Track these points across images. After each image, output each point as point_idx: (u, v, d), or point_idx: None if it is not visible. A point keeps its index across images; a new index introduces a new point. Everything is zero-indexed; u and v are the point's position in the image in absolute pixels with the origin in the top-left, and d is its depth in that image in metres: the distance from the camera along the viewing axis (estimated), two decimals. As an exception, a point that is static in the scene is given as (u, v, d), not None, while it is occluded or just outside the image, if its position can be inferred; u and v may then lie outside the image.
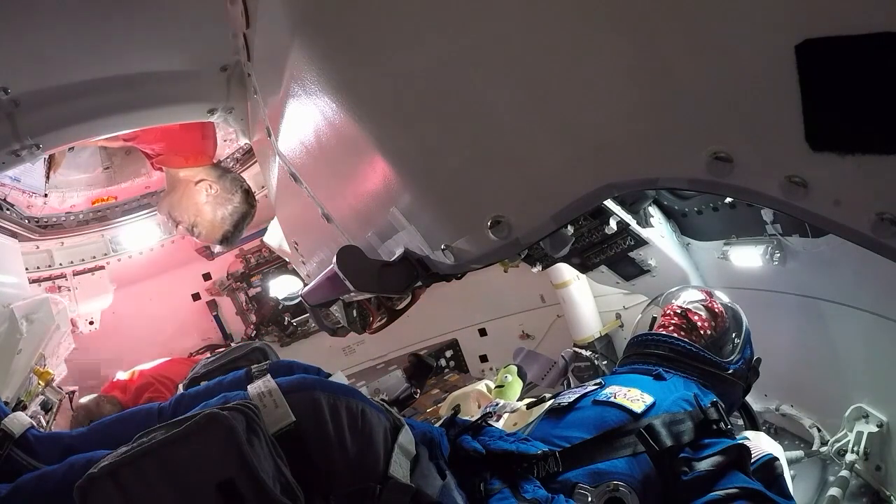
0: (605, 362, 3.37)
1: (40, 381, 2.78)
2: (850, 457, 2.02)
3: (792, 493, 1.56)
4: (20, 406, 2.68)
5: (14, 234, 3.35)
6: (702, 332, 1.90)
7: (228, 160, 4.04)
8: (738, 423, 2.12)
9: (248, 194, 3.24)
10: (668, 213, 2.75)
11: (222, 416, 1.03)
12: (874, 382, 2.07)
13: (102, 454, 1.05)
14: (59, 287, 3.97)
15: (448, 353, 4.43)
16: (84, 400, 3.37)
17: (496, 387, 2.26)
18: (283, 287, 4.46)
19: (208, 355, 2.18)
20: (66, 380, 3.37)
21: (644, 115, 0.82)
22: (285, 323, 4.77)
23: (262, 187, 4.17)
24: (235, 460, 1.00)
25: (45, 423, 2.85)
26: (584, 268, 3.01)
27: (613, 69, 0.82)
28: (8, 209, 3.38)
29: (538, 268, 2.96)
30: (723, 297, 2.04)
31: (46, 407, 2.89)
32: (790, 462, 2.17)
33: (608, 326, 3.56)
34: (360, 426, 1.21)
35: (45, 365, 2.87)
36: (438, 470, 1.33)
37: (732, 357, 1.87)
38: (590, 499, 1.39)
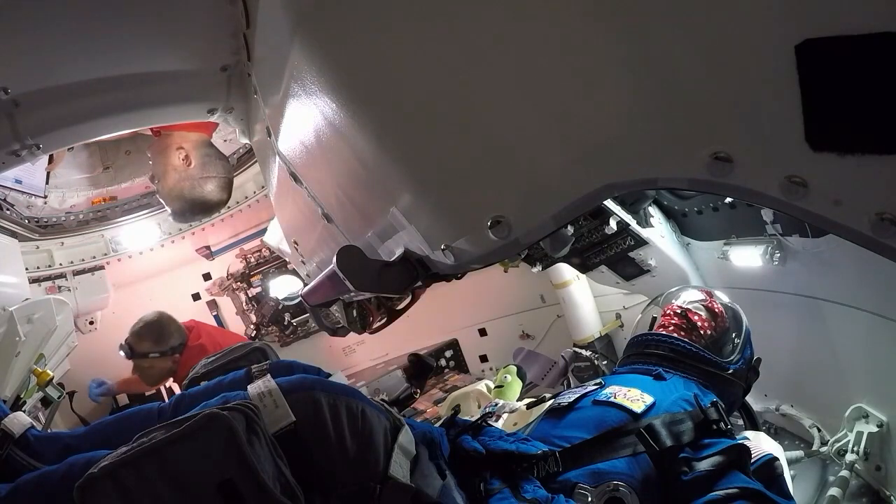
0: (605, 362, 3.36)
1: (38, 383, 2.79)
2: (850, 457, 2.02)
3: (792, 493, 1.56)
4: (19, 402, 2.68)
5: (14, 234, 3.35)
6: (702, 332, 1.90)
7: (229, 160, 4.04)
8: (738, 423, 2.12)
9: (222, 188, 3.16)
10: (668, 213, 2.75)
11: (222, 416, 1.03)
12: (874, 382, 2.07)
13: (102, 454, 1.05)
14: (59, 287, 3.98)
15: (448, 353, 4.43)
16: (153, 312, 3.35)
17: (495, 387, 2.27)
18: (283, 287, 4.46)
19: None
20: (69, 377, 3.39)
21: (644, 115, 0.82)
22: (285, 323, 4.77)
23: (263, 187, 4.18)
24: (235, 460, 1.00)
25: (42, 419, 2.85)
26: (584, 268, 3.01)
27: (613, 69, 0.82)
28: (8, 209, 3.39)
29: (538, 268, 2.96)
30: (723, 297, 2.04)
31: (46, 402, 2.90)
32: (790, 462, 2.17)
33: (608, 326, 3.56)
34: (360, 426, 1.21)
35: (45, 365, 2.87)
36: (438, 470, 1.33)
37: (732, 357, 1.87)
38: (590, 499, 1.39)
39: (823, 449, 2.21)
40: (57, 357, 3.08)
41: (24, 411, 2.59)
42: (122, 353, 3.28)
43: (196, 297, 4.77)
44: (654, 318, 2.07)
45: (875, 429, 2.02)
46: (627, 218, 2.54)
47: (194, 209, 3.16)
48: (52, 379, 2.88)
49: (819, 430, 2.32)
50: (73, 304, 3.88)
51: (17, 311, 2.67)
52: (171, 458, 1.00)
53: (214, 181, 3.12)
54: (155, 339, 3.28)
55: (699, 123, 0.77)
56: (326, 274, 1.50)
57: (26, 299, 2.95)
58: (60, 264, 3.99)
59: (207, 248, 4.57)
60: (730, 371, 1.82)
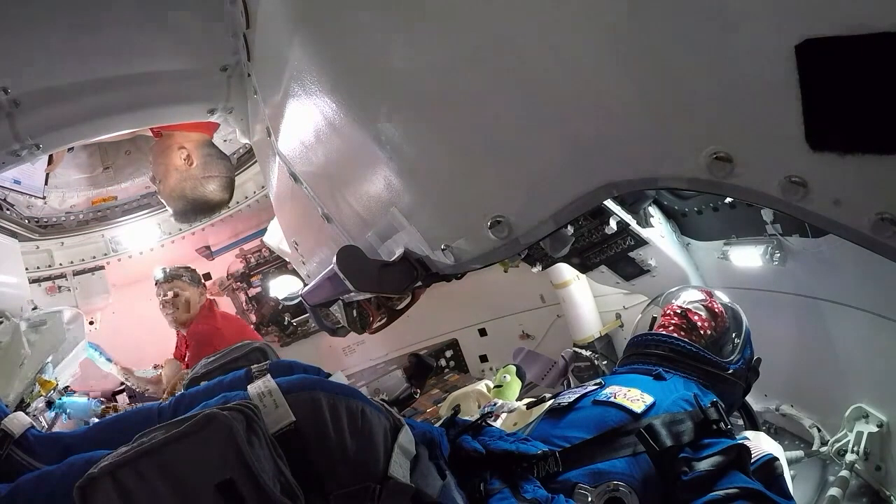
0: (605, 362, 3.36)
1: (42, 391, 2.80)
2: (850, 457, 2.02)
3: (792, 493, 1.56)
4: (23, 405, 2.69)
5: (14, 234, 3.35)
6: (702, 332, 1.90)
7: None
8: (738, 423, 2.12)
9: (224, 187, 3.18)
10: (668, 213, 2.75)
11: (222, 416, 1.03)
12: (874, 382, 2.07)
13: (102, 454, 1.05)
14: (59, 287, 3.98)
15: (448, 353, 4.43)
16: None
17: (494, 386, 2.26)
18: (283, 287, 4.46)
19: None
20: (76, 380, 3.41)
21: (644, 115, 0.82)
22: (285, 323, 4.77)
23: (263, 187, 4.18)
24: (235, 460, 1.00)
25: (44, 423, 2.86)
26: (584, 268, 3.00)
27: (613, 68, 0.82)
28: (8, 209, 3.39)
29: (538, 268, 2.96)
30: (723, 297, 2.03)
31: (50, 405, 2.91)
32: (790, 462, 2.17)
33: (608, 326, 3.56)
34: (360, 426, 1.21)
35: (52, 373, 2.88)
36: (438, 470, 1.32)
37: (732, 357, 1.87)
38: (590, 499, 1.39)
39: (823, 449, 2.21)
40: (66, 364, 3.08)
41: (27, 413, 2.60)
42: (156, 275, 3.56)
43: (196, 296, 4.77)
44: (654, 318, 2.07)
45: (875, 429, 2.02)
46: (627, 218, 2.54)
47: (196, 209, 3.15)
48: (56, 387, 2.89)
49: (819, 430, 2.32)
50: (73, 304, 3.88)
51: (24, 322, 2.69)
52: (171, 458, 1.00)
53: (216, 181, 3.11)
54: (185, 268, 3.63)
55: (699, 123, 0.77)
56: (326, 274, 1.50)
57: (34, 308, 2.96)
58: (60, 264, 3.99)
59: (207, 248, 4.57)
60: (730, 371, 1.82)
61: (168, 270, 3.59)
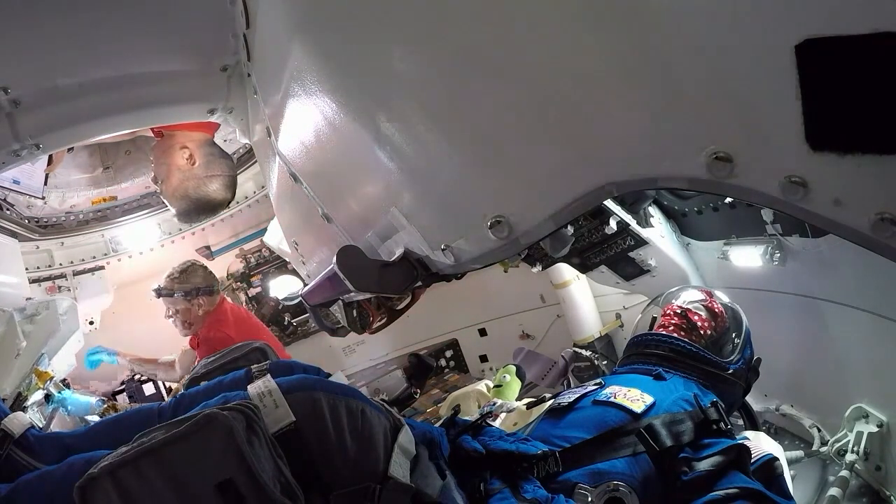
0: (605, 362, 3.36)
1: (38, 383, 2.79)
2: (850, 457, 2.02)
3: (792, 493, 1.56)
4: (20, 398, 2.69)
5: (14, 234, 3.35)
6: (702, 332, 1.90)
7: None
8: (738, 423, 2.12)
9: (226, 186, 3.16)
10: (668, 213, 2.75)
11: (222, 416, 1.03)
12: (874, 382, 2.07)
13: (102, 454, 1.05)
14: (59, 287, 3.97)
15: (448, 353, 4.43)
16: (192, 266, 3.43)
17: (494, 386, 2.26)
18: (283, 287, 4.45)
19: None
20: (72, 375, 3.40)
21: (644, 115, 0.82)
22: (285, 323, 4.77)
23: (263, 187, 4.18)
24: (235, 460, 1.00)
25: (42, 419, 2.85)
26: (584, 268, 3.01)
27: (613, 69, 0.82)
28: (8, 209, 3.39)
29: (538, 268, 2.96)
30: (723, 297, 2.04)
31: (49, 399, 2.90)
32: (790, 462, 2.17)
33: (608, 326, 3.56)
34: (360, 426, 1.21)
35: (48, 364, 2.88)
36: (438, 470, 1.32)
37: (732, 357, 1.87)
38: (590, 499, 1.39)
39: (823, 449, 2.21)
40: (62, 355, 3.07)
41: (24, 408, 2.59)
42: (153, 292, 3.38)
43: (196, 296, 4.76)
44: (654, 318, 2.07)
45: (875, 429, 2.02)
46: (627, 218, 2.54)
47: (199, 209, 3.14)
48: (52, 378, 2.88)
49: (819, 430, 2.32)
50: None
51: (19, 311, 2.68)
52: (171, 458, 1.00)
53: (219, 180, 3.11)
54: (178, 277, 3.36)
55: (699, 123, 0.77)
56: (326, 274, 1.50)
57: (29, 299, 2.95)
58: (60, 264, 3.99)
59: (207, 248, 4.56)
60: (730, 371, 1.82)
61: (160, 289, 3.35)
